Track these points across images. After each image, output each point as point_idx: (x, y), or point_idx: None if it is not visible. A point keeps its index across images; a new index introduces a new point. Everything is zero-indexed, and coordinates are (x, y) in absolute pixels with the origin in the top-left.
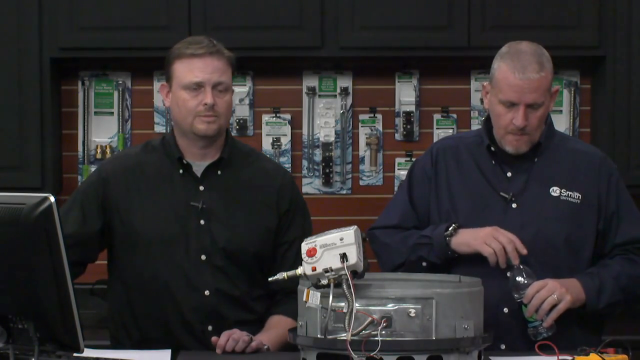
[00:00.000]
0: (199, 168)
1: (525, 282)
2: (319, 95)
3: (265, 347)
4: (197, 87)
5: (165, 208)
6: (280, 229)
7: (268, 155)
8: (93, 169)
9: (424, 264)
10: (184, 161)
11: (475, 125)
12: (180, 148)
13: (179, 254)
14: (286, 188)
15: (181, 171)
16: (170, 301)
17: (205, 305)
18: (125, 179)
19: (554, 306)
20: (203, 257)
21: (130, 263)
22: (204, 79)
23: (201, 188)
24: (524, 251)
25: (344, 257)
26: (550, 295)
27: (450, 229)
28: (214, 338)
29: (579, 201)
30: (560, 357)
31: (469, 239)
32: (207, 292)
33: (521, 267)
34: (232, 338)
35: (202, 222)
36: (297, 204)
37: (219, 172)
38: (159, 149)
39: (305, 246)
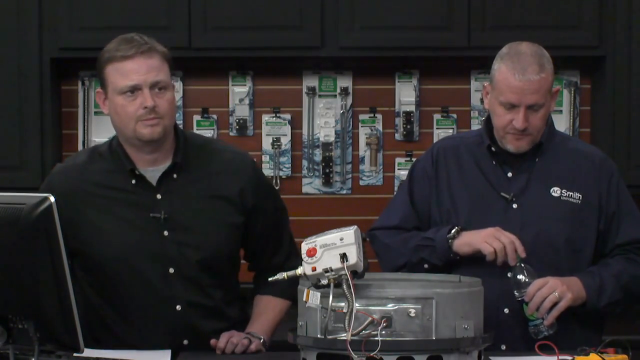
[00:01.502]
0: (153, 174)
1: (526, 280)
2: (319, 95)
3: (261, 340)
4: (134, 90)
5: (123, 223)
6: (250, 223)
7: (229, 144)
8: None
9: (426, 265)
10: (136, 172)
11: (475, 125)
12: (130, 156)
13: (145, 270)
14: (247, 182)
15: (134, 181)
16: (141, 319)
17: (177, 320)
18: (75, 195)
19: (555, 304)
20: (171, 270)
21: (95, 282)
22: (139, 80)
23: (159, 197)
24: (523, 254)
25: (344, 257)
26: (551, 293)
27: (453, 231)
28: (212, 340)
29: (579, 201)
30: (560, 357)
31: (470, 239)
32: (178, 307)
33: (522, 265)
34: (230, 341)
35: (165, 233)
36: (264, 192)
37: (175, 177)
38: (107, 158)
39: (305, 246)
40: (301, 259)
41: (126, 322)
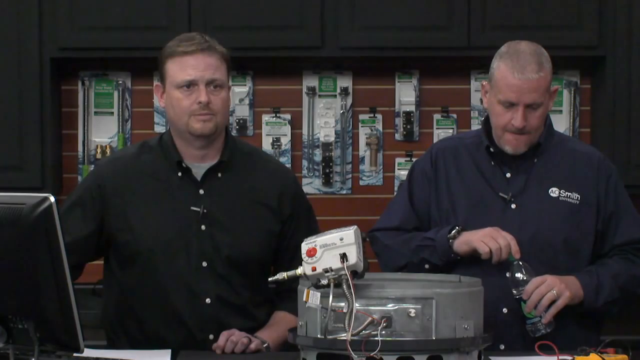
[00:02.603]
0: (198, 171)
1: (525, 278)
2: (319, 95)
3: (265, 345)
4: (191, 85)
5: (164, 213)
6: (285, 233)
7: (274, 158)
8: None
9: (427, 266)
10: (183, 164)
11: (475, 125)
12: (179, 150)
13: (179, 261)
14: (288, 191)
15: (180, 174)
16: (170, 309)
17: (205, 314)
18: (122, 184)
19: (552, 302)
20: (204, 263)
21: (129, 270)
22: (197, 76)
23: (201, 192)
24: (518, 255)
25: (344, 257)
26: (549, 291)
27: (453, 231)
28: (214, 345)
29: (578, 202)
30: (560, 357)
31: (468, 238)
32: (208, 300)
33: (520, 263)
34: (230, 340)
35: (203, 227)
36: (301, 206)
37: (219, 175)
38: (157, 150)
39: (305, 246)
40: (301, 259)
41: (155, 312)
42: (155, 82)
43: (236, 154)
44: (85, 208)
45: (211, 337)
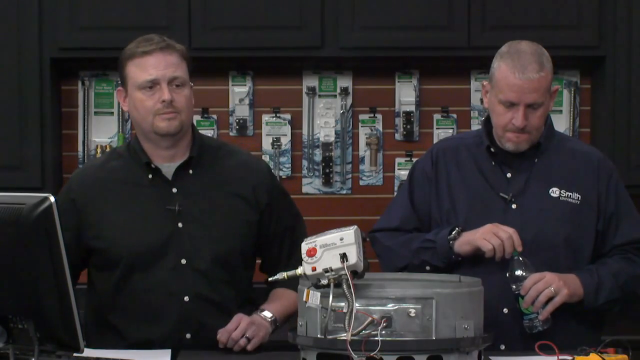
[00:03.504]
0: (169, 170)
1: (524, 274)
2: (319, 95)
3: (272, 318)
4: (152, 84)
5: (139, 217)
6: (264, 222)
7: (244, 149)
8: None
9: (428, 267)
10: (152, 165)
11: (475, 125)
12: (147, 152)
13: (157, 262)
14: (262, 181)
15: (150, 176)
16: (149, 309)
17: (184, 312)
18: (93, 193)
19: (550, 299)
20: (183, 261)
21: (107, 276)
22: (158, 75)
23: (174, 190)
24: (520, 248)
25: (344, 257)
26: (547, 287)
27: (453, 232)
28: (222, 330)
29: (578, 202)
30: (560, 357)
31: (469, 237)
32: (186, 298)
33: (520, 259)
34: (231, 338)
35: (180, 225)
36: (278, 193)
37: (191, 172)
38: (125, 156)
39: (305, 246)
40: (301, 259)
41: (133, 313)
42: (118, 88)
43: (205, 149)
44: (65, 234)
45: (188, 336)
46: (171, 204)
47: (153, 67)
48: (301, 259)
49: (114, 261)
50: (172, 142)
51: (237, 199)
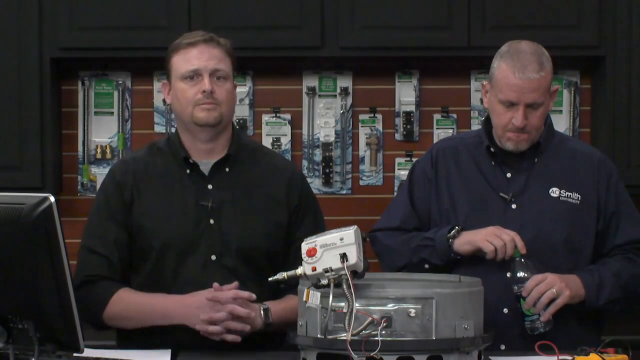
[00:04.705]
0: (206, 166)
1: (526, 275)
2: (319, 95)
3: (265, 307)
4: (195, 75)
5: (175, 210)
6: (291, 225)
7: (284, 157)
8: (93, 169)
9: (427, 266)
10: (191, 160)
11: (475, 125)
12: (186, 146)
13: (188, 257)
14: (295, 183)
15: (188, 171)
16: None
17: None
18: (135, 183)
19: (552, 301)
20: (213, 257)
21: (139, 269)
22: (200, 65)
23: (209, 187)
24: (523, 250)
25: (344, 257)
26: (549, 289)
27: (453, 231)
28: (215, 285)
29: (578, 202)
30: (560, 357)
31: (471, 237)
32: None
33: (522, 260)
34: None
35: (211, 221)
36: (308, 199)
37: (227, 170)
38: (165, 150)
39: (305, 246)
40: (301, 259)
41: None
42: (163, 81)
43: (242, 148)
44: (118, 211)
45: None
46: (205, 200)
47: (196, 58)
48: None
49: (144, 254)
50: (211, 135)
51: (270, 200)
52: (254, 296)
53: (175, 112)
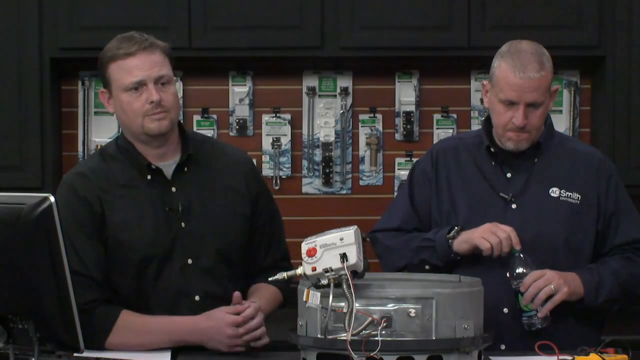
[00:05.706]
0: (169, 170)
1: (524, 271)
2: (319, 95)
3: (256, 303)
4: (139, 86)
5: (146, 219)
6: (254, 214)
7: (231, 145)
8: None
9: (427, 267)
10: (153, 166)
11: (475, 125)
12: (140, 152)
13: (165, 263)
14: (251, 172)
15: (149, 177)
16: (162, 311)
17: (196, 311)
18: (101, 196)
19: (550, 297)
20: (189, 260)
21: (120, 278)
22: (144, 76)
23: (174, 189)
24: (518, 246)
25: (344, 257)
26: (547, 285)
27: (452, 231)
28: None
29: (578, 202)
30: (560, 357)
31: (468, 236)
32: (197, 297)
33: (521, 256)
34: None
35: (183, 224)
36: (262, 185)
37: (186, 170)
38: (118, 157)
39: (305, 246)
40: (301, 259)
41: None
42: (100, 89)
43: (196, 145)
44: (86, 228)
45: None
46: (172, 204)
47: (137, 69)
48: (284, 256)
49: (124, 267)
50: (162, 141)
51: (232, 193)
52: (250, 304)
53: (122, 124)
